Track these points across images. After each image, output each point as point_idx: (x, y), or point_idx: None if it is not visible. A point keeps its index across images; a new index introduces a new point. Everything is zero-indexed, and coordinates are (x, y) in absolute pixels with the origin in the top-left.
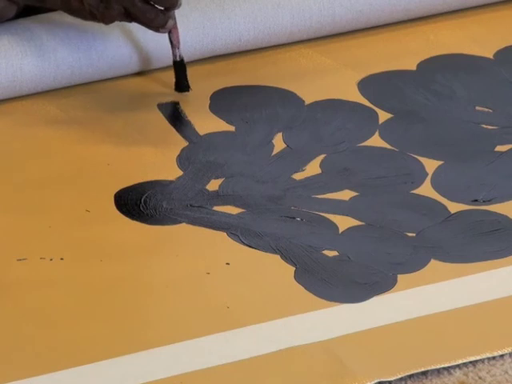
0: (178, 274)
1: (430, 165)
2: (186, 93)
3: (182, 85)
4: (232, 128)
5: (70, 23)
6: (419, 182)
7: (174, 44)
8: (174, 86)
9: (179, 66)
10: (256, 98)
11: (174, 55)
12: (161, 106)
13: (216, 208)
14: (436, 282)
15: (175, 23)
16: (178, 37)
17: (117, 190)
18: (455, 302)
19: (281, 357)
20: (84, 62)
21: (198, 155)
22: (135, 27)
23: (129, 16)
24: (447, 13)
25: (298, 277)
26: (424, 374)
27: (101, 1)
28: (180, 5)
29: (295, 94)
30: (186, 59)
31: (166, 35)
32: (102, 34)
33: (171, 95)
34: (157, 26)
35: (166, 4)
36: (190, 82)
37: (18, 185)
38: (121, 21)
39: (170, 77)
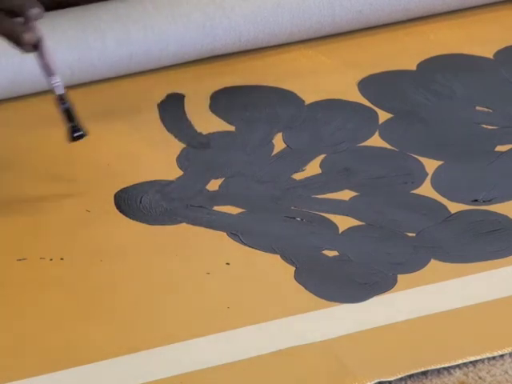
0: (178, 274)
1: (430, 165)
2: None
3: (74, 130)
4: (232, 128)
5: (71, 23)
6: (419, 182)
7: (49, 71)
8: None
9: (66, 103)
10: (256, 98)
11: (56, 87)
12: (161, 106)
13: (216, 208)
14: (436, 282)
15: (41, 42)
16: (49, 62)
17: (117, 190)
18: (455, 301)
19: (281, 357)
20: (84, 63)
21: (198, 155)
22: (135, 26)
23: None
24: (447, 12)
25: (298, 277)
26: (424, 374)
27: None
28: (37, 15)
29: (295, 94)
30: (186, 59)
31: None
32: (102, 34)
33: (171, 95)
34: (15, 36)
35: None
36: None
37: (18, 185)
38: None
39: (171, 77)
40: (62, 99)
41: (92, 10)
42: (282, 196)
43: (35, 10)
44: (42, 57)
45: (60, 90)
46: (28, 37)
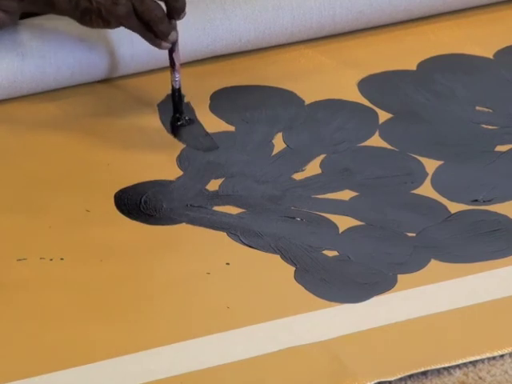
0: (178, 274)
1: (430, 165)
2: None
3: (177, 116)
4: (232, 128)
5: (71, 24)
6: (419, 182)
7: (175, 66)
8: (170, 119)
9: (178, 95)
10: (256, 97)
11: (174, 81)
12: (161, 106)
13: (216, 208)
14: (436, 282)
15: (177, 40)
16: (179, 59)
17: (117, 190)
18: (455, 302)
19: (281, 357)
20: (84, 63)
21: (198, 155)
22: None
23: (136, 15)
24: (447, 13)
25: (298, 277)
26: (424, 374)
27: None
28: (184, 14)
29: (295, 94)
30: (186, 59)
31: (167, 55)
32: (103, 35)
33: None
34: (161, 33)
35: (175, 3)
36: (185, 114)
37: (18, 185)
38: (126, 25)
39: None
40: (177, 92)
41: None
42: (281, 196)
43: (184, 10)
44: (173, 53)
45: (177, 85)
46: (174, 36)
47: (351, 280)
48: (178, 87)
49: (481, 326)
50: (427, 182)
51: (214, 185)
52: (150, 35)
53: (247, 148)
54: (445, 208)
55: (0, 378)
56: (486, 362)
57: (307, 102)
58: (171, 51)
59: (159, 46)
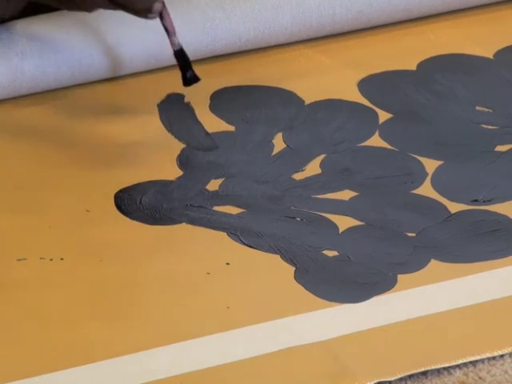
0: (178, 274)
1: (430, 165)
2: (194, 86)
3: (188, 76)
4: (232, 128)
5: (71, 23)
6: (419, 182)
7: (169, 31)
8: (181, 81)
9: (181, 56)
10: (256, 97)
11: (173, 43)
12: (161, 106)
13: (216, 208)
14: (436, 282)
15: (164, 7)
16: (171, 22)
17: (117, 190)
18: (455, 302)
19: (281, 357)
20: (84, 63)
21: (198, 155)
22: (136, 26)
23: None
24: (447, 13)
25: (298, 277)
26: (424, 374)
27: None
28: None
29: (295, 94)
30: None
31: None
32: (103, 35)
33: (171, 95)
34: (143, 10)
35: None
36: (196, 72)
37: (18, 185)
38: (105, 8)
39: (171, 76)
40: (180, 53)
41: None
42: (281, 196)
43: None
44: (163, 20)
45: (176, 47)
46: (157, 6)
47: (351, 280)
48: (178, 49)
49: (481, 326)
50: (427, 182)
51: (214, 185)
52: (132, 11)
53: (247, 148)
54: (445, 208)
55: (0, 378)
56: (485, 362)
57: (307, 102)
58: (161, 18)
59: (146, 18)
